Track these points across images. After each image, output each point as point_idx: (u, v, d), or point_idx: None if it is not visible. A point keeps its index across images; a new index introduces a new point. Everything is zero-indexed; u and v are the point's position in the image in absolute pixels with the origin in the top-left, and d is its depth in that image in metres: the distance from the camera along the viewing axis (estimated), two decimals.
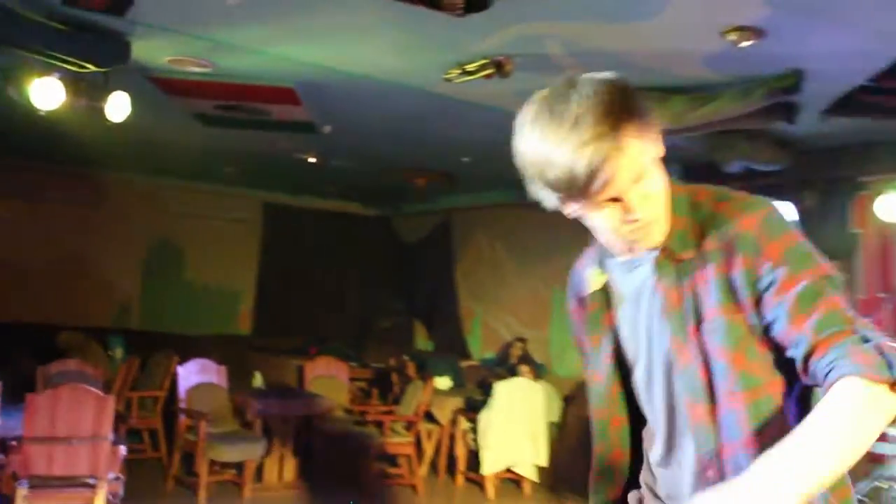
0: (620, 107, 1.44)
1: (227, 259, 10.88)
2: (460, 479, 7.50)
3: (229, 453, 6.49)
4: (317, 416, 7.12)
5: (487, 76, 4.88)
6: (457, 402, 7.80)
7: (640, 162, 1.46)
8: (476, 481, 7.31)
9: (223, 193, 10.75)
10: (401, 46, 4.87)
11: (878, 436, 1.34)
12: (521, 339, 8.60)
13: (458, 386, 8.47)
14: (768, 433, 1.45)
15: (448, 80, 5.04)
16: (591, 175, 1.43)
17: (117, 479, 5.19)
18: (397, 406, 7.76)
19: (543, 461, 7.34)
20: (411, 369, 8.23)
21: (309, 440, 7.35)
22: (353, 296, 11.26)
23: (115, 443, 5.08)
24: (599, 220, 1.54)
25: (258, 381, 7.40)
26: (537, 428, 7.32)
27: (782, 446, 1.30)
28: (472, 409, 7.53)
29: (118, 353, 7.62)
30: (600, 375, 1.74)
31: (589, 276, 1.76)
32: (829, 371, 1.35)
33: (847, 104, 5.18)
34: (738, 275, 1.47)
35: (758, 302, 1.46)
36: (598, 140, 1.41)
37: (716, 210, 1.53)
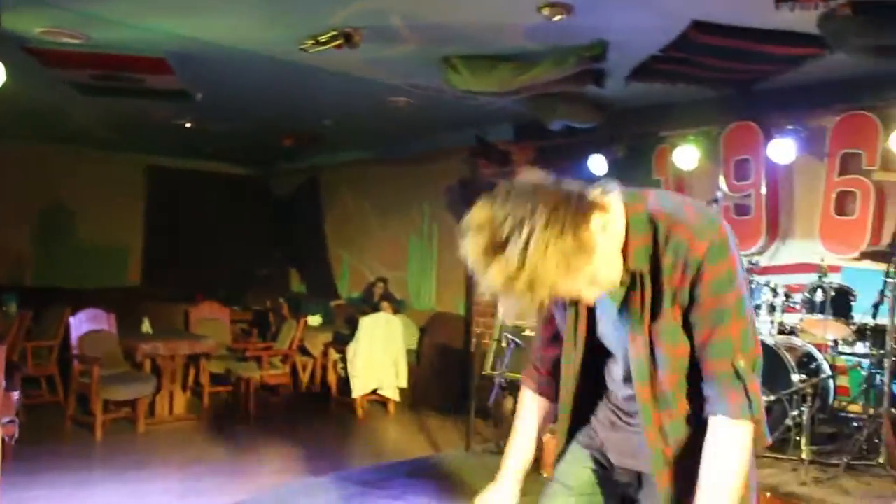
0: (548, 251, 1.43)
1: (115, 218, 10.45)
2: (333, 404, 7.56)
3: (121, 392, 6.32)
4: (202, 354, 6.99)
5: (338, 46, 4.83)
6: (327, 336, 7.83)
7: (589, 270, 1.52)
8: (347, 405, 7.37)
9: (108, 158, 10.26)
10: (262, 19, 4.76)
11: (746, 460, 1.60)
12: (383, 280, 8.67)
13: (328, 322, 8.49)
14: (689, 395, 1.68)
15: (304, 50, 4.96)
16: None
17: (11, 422, 4.96)
18: (274, 342, 7.71)
19: (403, 383, 7.49)
20: (286, 309, 8.19)
21: (196, 376, 7.22)
22: (234, 248, 11.02)
23: (8, 389, 4.85)
24: None
25: (146, 326, 7.18)
26: (397, 355, 7.45)
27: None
28: (341, 341, 7.58)
29: (12, 308, 7.19)
30: (571, 316, 1.84)
31: None
32: (711, 400, 1.61)
33: (644, 71, 5.41)
34: (683, 288, 1.60)
35: (688, 309, 1.62)
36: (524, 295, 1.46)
37: (671, 231, 1.59)
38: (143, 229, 10.77)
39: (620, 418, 1.87)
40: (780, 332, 4.87)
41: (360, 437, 6.58)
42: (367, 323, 7.34)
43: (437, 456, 6.00)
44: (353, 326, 7.52)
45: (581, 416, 1.98)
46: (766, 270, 5.65)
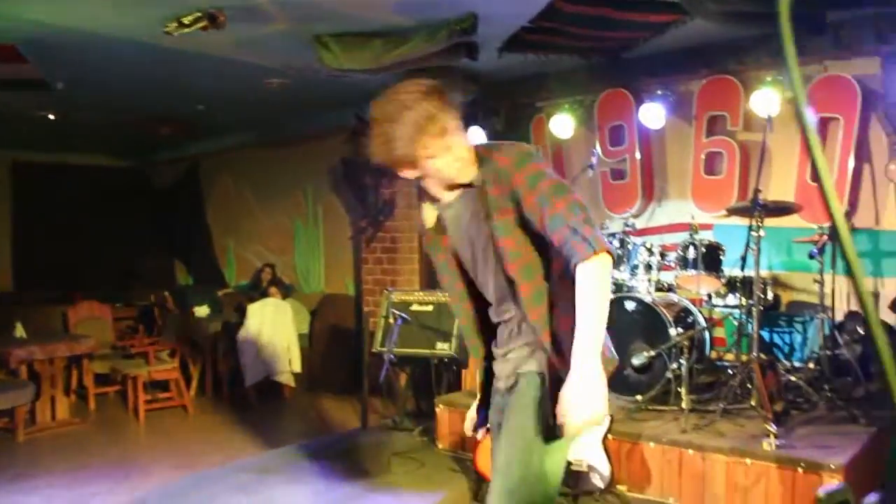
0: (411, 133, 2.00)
1: None
2: (226, 394, 7.39)
3: None
4: (83, 354, 6.68)
5: (204, 28, 4.67)
6: (216, 326, 7.62)
7: (429, 166, 2.07)
8: (241, 394, 7.22)
9: None
10: (118, 2, 4.54)
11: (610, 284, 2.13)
12: (270, 265, 8.50)
13: (216, 312, 8.26)
14: (533, 283, 2.08)
15: (168, 32, 4.77)
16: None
17: None
18: (161, 337, 7.44)
19: (298, 368, 7.38)
20: (171, 302, 7.92)
21: (79, 378, 6.91)
22: (113, 243, 10.57)
23: None
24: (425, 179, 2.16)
25: (20, 331, 6.79)
26: (289, 340, 7.33)
27: (576, 335, 1.91)
28: (230, 331, 7.39)
29: None
30: (447, 279, 2.32)
31: (426, 217, 2.29)
32: (569, 259, 1.95)
33: (516, 42, 5.47)
34: (503, 195, 2.06)
35: (520, 208, 2.05)
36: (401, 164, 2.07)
37: (492, 158, 2.10)
38: (10, 230, 10.18)
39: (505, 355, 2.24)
40: (658, 289, 5.06)
41: (255, 425, 6.45)
42: (255, 309, 7.19)
43: (335, 436, 5.97)
44: (241, 314, 7.36)
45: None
46: (643, 232, 5.85)
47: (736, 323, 4.95)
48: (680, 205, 6.00)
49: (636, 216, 6.09)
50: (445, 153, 2.05)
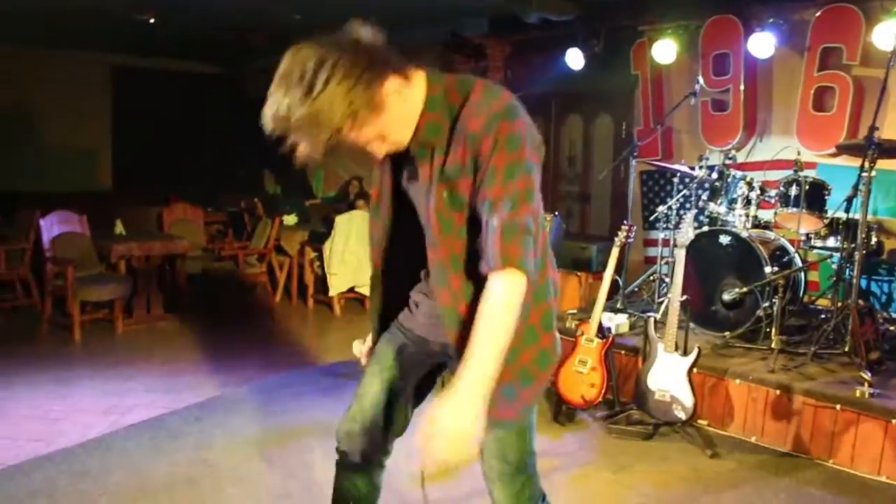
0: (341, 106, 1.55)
1: (82, 121, 10.17)
2: (311, 301, 7.56)
3: (97, 293, 6.25)
4: (177, 254, 6.91)
5: None
6: (303, 235, 7.76)
7: (365, 135, 1.66)
8: (325, 302, 7.39)
9: (72, 58, 9.88)
10: None
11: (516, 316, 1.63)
12: (358, 178, 8.55)
13: (303, 222, 8.40)
14: (451, 247, 1.75)
15: None
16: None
17: None
18: (250, 242, 7.64)
19: None
20: (260, 209, 8.09)
21: (172, 277, 7.18)
22: (207, 148, 10.78)
23: None
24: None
25: (119, 228, 7.06)
26: None
27: (471, 357, 1.59)
28: (317, 240, 7.52)
29: None
30: (378, 225, 1.99)
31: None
32: (485, 255, 1.65)
33: None
34: (466, 159, 1.67)
35: (474, 180, 1.68)
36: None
37: (461, 110, 1.69)
38: (111, 131, 10.48)
39: (428, 295, 1.97)
40: (755, 225, 4.88)
41: (338, 332, 6.61)
42: (342, 221, 7.27)
43: None
44: (328, 225, 7.46)
45: (399, 295, 2.08)
46: (742, 166, 5.63)
47: (834, 267, 4.75)
48: (783, 140, 5.71)
49: (737, 149, 5.85)
50: (383, 131, 1.69)
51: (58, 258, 6.27)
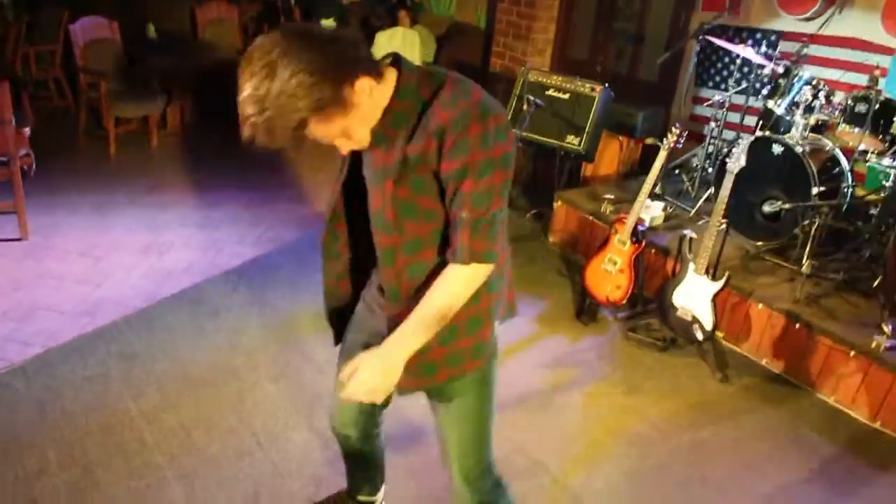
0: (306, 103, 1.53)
1: None
2: None
3: (132, 109, 6.26)
4: (211, 64, 6.78)
5: None
6: None
7: (331, 132, 1.65)
8: None
9: None
10: None
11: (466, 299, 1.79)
12: None
13: (342, 24, 8.06)
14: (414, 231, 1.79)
15: None
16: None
17: (27, 154, 5.02)
18: None
19: None
20: (297, 13, 7.74)
21: (207, 87, 7.08)
22: None
23: (19, 125, 4.82)
24: None
25: (151, 31, 6.83)
26: None
27: (408, 321, 1.76)
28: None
29: (9, 14, 6.76)
30: (334, 197, 2.02)
31: None
32: (450, 246, 1.75)
33: None
34: (431, 150, 1.68)
35: (438, 169, 1.70)
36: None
37: (430, 102, 1.69)
38: None
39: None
40: (813, 129, 4.71)
41: None
42: (383, 39, 7.02)
43: None
44: (367, 32, 7.21)
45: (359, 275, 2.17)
46: (814, 39, 5.30)
47: (887, 185, 4.62)
48: (865, 18, 5.30)
49: (810, 19, 5.46)
50: (348, 129, 1.68)
51: (90, 69, 6.18)
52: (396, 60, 1.74)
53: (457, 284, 1.75)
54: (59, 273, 4.59)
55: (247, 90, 1.52)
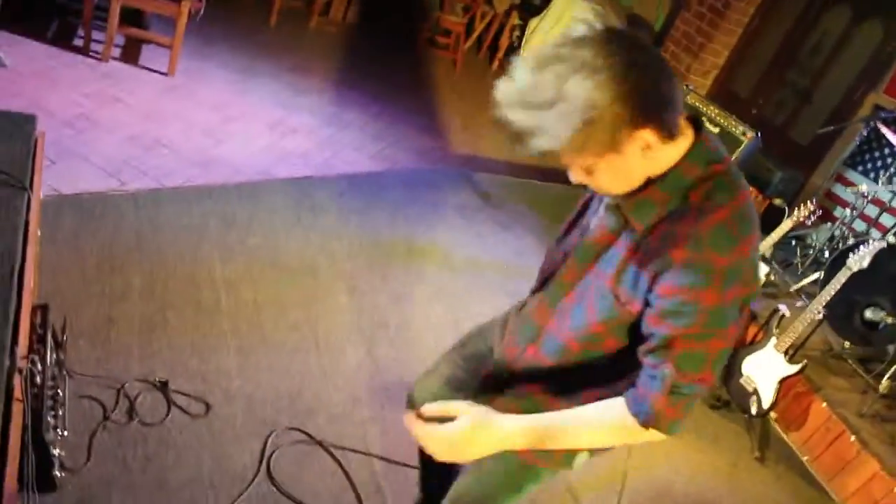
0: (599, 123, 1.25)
1: None
2: (496, 64, 7.52)
3: None
4: None
5: None
6: None
7: (581, 164, 1.37)
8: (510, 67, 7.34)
9: None
10: None
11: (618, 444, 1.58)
12: None
13: None
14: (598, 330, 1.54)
15: None
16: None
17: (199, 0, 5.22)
18: None
19: None
20: None
21: None
22: None
23: None
24: None
25: None
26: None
27: (554, 413, 1.52)
28: (528, 11, 7.26)
29: None
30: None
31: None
32: (634, 385, 1.47)
33: None
34: (643, 274, 1.41)
35: (645, 300, 1.43)
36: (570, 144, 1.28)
37: (683, 220, 1.37)
38: None
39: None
40: None
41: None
42: (558, 4, 6.96)
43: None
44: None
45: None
46: None
47: None
48: None
49: None
50: (593, 167, 1.37)
51: None
52: (697, 128, 1.44)
53: (623, 430, 1.48)
54: (189, 119, 4.81)
55: (531, 77, 1.27)
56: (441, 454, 1.52)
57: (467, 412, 1.50)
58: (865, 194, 5.07)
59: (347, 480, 2.81)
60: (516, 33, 7.38)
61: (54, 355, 2.46)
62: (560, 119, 1.24)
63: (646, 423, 1.44)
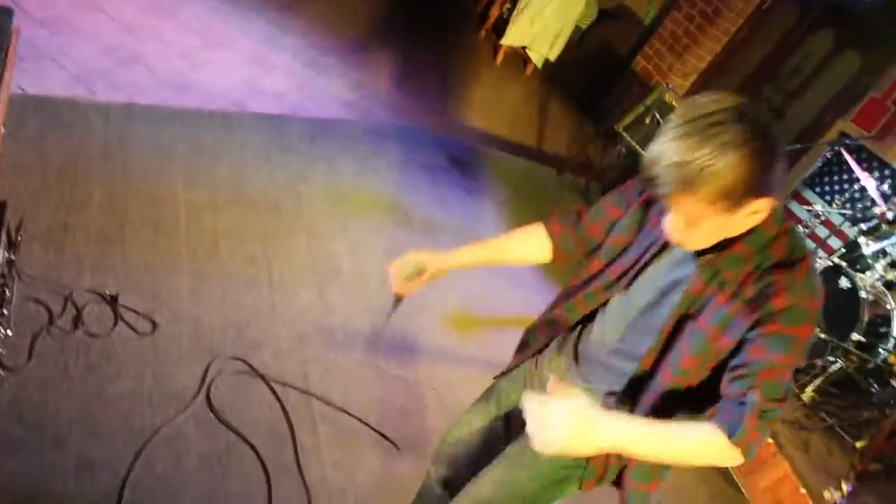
0: (733, 180, 1.44)
1: None
2: (483, 34, 7.52)
3: None
4: None
5: None
6: None
7: (699, 216, 1.51)
8: (493, 44, 7.34)
9: None
10: None
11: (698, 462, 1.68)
12: None
13: None
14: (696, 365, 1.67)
15: None
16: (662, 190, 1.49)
17: None
18: None
19: (553, 56, 7.35)
20: None
21: None
22: None
23: None
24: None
25: None
26: (565, 27, 7.21)
27: (650, 421, 1.62)
28: None
29: None
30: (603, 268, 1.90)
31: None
32: (721, 410, 1.60)
33: None
34: (745, 322, 1.57)
35: (739, 343, 1.59)
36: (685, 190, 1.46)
37: (774, 271, 1.57)
38: None
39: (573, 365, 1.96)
40: (886, 284, 4.73)
41: (488, 90, 6.70)
42: None
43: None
44: None
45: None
46: None
47: None
48: None
49: None
50: (693, 223, 1.54)
51: None
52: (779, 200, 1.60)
53: (711, 448, 1.58)
54: (169, 40, 4.74)
55: (680, 153, 1.44)
56: (547, 441, 1.48)
57: (576, 396, 1.52)
58: (819, 215, 5.23)
59: (283, 414, 2.86)
60: (507, 6, 7.36)
61: (6, 254, 2.46)
62: (706, 179, 1.43)
63: (738, 442, 1.55)
